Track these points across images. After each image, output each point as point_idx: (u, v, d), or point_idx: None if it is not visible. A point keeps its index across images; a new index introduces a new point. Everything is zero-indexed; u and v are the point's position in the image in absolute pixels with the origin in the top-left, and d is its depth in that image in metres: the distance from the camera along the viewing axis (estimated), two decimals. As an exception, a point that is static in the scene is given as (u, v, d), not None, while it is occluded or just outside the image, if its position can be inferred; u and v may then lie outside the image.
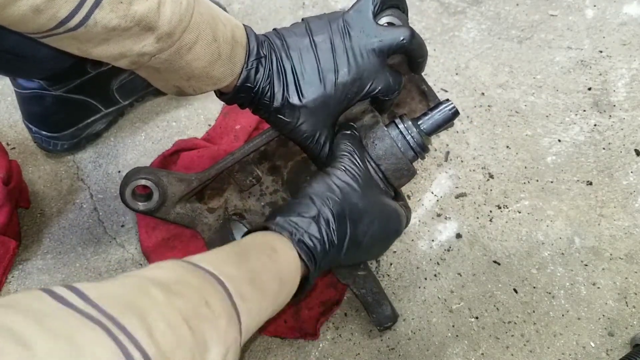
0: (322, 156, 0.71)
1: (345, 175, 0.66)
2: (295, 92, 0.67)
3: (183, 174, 0.80)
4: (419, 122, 0.75)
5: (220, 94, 0.69)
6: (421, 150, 0.75)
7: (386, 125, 0.74)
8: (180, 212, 0.81)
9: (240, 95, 0.67)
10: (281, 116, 0.67)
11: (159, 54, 0.57)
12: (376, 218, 0.67)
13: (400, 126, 0.74)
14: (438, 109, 0.75)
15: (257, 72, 0.65)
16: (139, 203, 0.78)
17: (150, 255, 0.94)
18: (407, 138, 0.73)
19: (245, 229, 0.82)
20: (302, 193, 0.65)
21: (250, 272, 0.52)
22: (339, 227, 0.63)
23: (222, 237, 0.80)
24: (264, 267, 0.54)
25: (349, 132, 0.71)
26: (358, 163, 0.67)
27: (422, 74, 0.78)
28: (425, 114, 0.76)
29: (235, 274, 0.50)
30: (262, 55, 0.66)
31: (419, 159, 0.77)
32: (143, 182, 0.77)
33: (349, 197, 0.65)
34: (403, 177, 0.74)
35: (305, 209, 0.63)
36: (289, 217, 0.62)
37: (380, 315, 0.84)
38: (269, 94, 0.66)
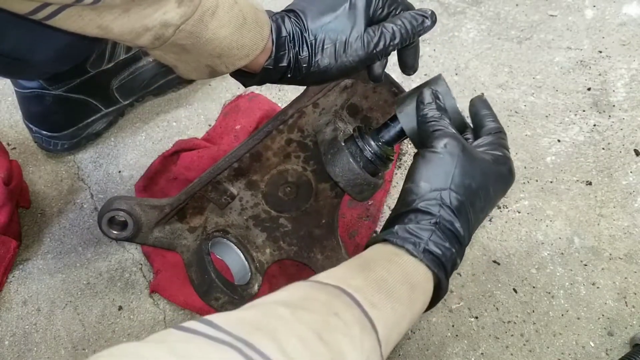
0: (377, 52, 0.66)
1: (449, 157, 0.59)
2: (324, 24, 0.65)
3: (155, 200, 0.81)
4: (379, 133, 0.72)
5: (255, 71, 0.67)
6: (382, 162, 0.72)
7: (345, 140, 0.71)
8: (158, 236, 0.82)
9: (280, 53, 0.65)
10: (324, 57, 0.66)
11: (183, 24, 0.57)
12: (491, 186, 0.61)
13: (358, 140, 0.71)
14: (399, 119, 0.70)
15: (284, 21, 0.65)
16: (115, 232, 0.80)
17: (151, 255, 0.94)
18: (365, 152, 0.71)
19: (231, 245, 0.82)
20: (412, 192, 0.59)
21: (377, 280, 0.50)
22: (462, 223, 0.58)
23: (198, 259, 0.80)
24: (389, 273, 0.52)
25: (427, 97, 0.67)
26: (451, 132, 0.62)
27: (411, 74, 0.75)
28: (385, 124, 0.72)
29: (362, 284, 0.48)
30: (283, 13, 0.67)
31: (383, 170, 0.74)
32: (115, 213, 0.78)
33: (462, 181, 0.59)
34: (364, 191, 0.71)
35: (422, 216, 0.57)
36: (408, 226, 0.57)
37: None
38: (304, 38, 0.65)
